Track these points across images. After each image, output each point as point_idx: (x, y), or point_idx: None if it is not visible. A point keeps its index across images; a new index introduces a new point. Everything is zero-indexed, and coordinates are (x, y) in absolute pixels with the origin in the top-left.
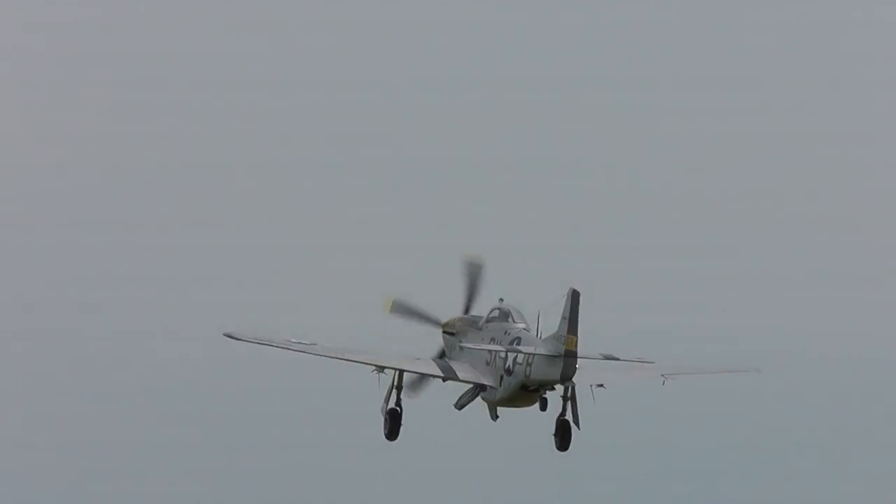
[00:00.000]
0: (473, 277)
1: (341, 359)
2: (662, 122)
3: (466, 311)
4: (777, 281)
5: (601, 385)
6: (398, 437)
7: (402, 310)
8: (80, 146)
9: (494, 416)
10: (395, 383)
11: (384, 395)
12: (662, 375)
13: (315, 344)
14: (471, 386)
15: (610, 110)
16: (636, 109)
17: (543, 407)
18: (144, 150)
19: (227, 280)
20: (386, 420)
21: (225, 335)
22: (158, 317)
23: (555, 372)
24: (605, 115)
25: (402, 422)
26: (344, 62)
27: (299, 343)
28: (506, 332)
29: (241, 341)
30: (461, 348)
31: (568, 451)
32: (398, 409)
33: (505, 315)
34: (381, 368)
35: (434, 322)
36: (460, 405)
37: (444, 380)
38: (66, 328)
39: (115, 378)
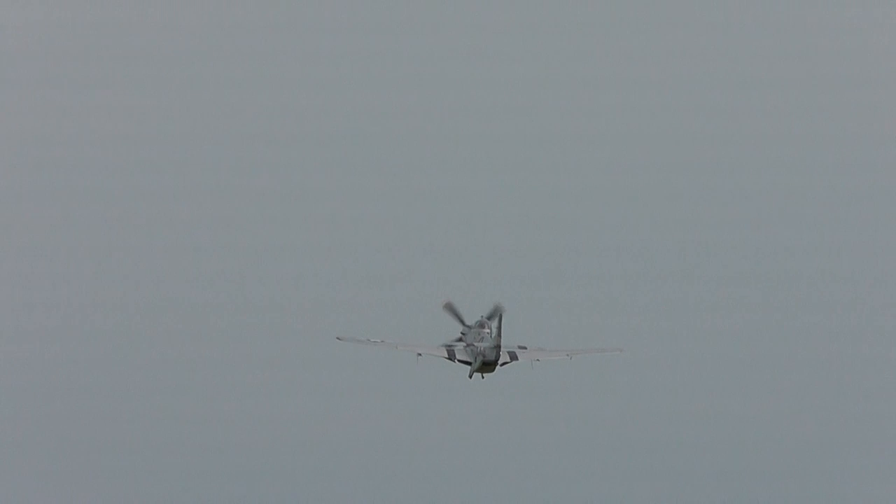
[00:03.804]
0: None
1: (399, 348)
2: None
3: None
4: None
5: (538, 360)
6: (455, 361)
7: (450, 310)
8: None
9: (471, 376)
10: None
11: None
12: (567, 355)
13: (383, 341)
14: (471, 364)
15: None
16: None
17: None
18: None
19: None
20: (449, 356)
21: (337, 338)
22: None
23: (492, 354)
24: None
25: (455, 357)
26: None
27: (376, 341)
28: (480, 334)
29: (347, 341)
30: (464, 343)
31: (483, 378)
32: (451, 352)
33: (481, 324)
34: (419, 354)
35: (462, 323)
36: (470, 375)
37: (450, 357)
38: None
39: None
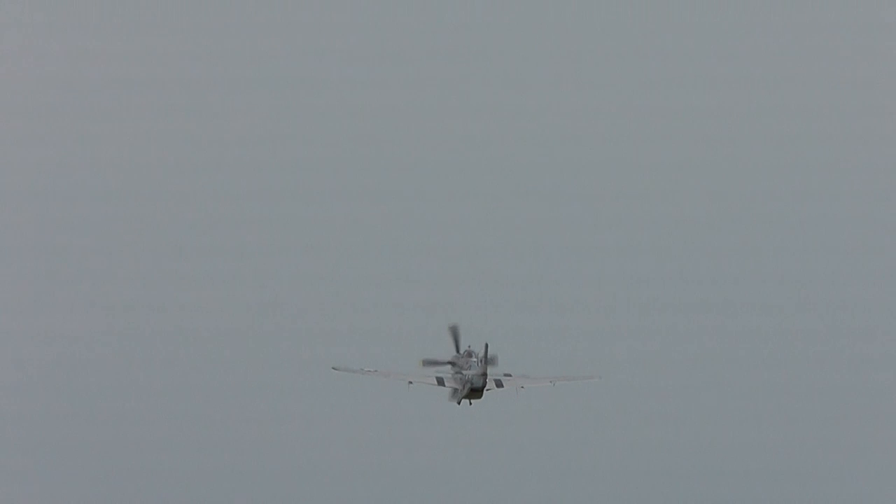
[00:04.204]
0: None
1: (391, 376)
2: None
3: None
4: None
5: (522, 387)
6: (444, 386)
7: (429, 363)
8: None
9: (459, 402)
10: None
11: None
12: (550, 381)
13: (377, 370)
14: (458, 389)
15: None
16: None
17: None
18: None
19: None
20: (439, 383)
21: (333, 368)
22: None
23: (480, 381)
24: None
25: (444, 383)
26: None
27: (370, 370)
28: (468, 363)
29: (343, 371)
30: (452, 372)
31: (471, 404)
32: (441, 380)
33: (468, 354)
34: (410, 382)
35: (444, 362)
36: (458, 401)
37: (441, 383)
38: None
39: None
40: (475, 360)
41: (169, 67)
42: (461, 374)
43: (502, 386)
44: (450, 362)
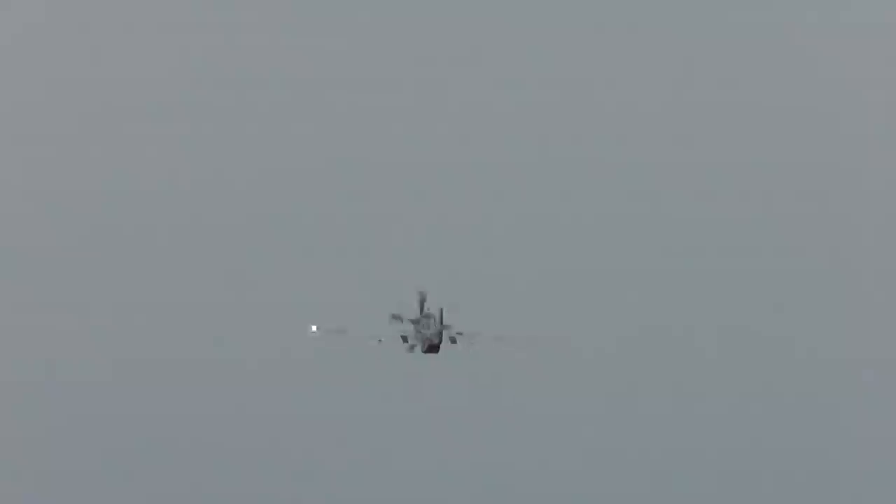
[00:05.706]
0: (421, 301)
1: (361, 336)
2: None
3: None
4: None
5: (472, 343)
6: (408, 343)
7: (396, 318)
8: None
9: (413, 351)
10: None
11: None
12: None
13: (346, 330)
14: (417, 346)
15: None
16: None
17: (453, 341)
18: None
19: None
20: (404, 340)
21: (312, 330)
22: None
23: (437, 339)
24: None
25: (407, 340)
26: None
27: (337, 329)
28: (427, 323)
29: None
30: (414, 331)
31: (434, 354)
32: (404, 337)
33: (427, 315)
34: (380, 340)
35: (409, 320)
36: (410, 349)
37: (405, 340)
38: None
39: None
40: (433, 321)
41: (167, 67)
42: (420, 332)
43: (455, 342)
44: (412, 322)
